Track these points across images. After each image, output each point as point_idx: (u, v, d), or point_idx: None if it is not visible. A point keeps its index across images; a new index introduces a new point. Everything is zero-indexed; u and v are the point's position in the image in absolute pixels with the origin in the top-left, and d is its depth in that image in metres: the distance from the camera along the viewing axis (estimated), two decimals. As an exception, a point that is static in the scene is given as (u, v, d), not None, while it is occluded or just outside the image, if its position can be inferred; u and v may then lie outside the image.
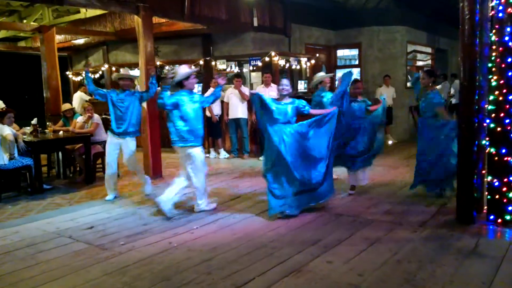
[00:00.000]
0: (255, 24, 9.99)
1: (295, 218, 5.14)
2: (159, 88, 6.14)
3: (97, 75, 12.21)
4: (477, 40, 4.62)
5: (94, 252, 4.25)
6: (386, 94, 10.53)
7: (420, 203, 5.61)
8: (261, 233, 4.66)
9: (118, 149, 6.14)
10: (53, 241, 4.58)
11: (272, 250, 4.16)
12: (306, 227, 4.82)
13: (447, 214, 5.06)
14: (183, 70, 5.38)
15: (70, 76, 13.58)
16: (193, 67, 7.67)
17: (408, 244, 4.21)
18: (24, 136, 6.78)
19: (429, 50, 14.27)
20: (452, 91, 13.13)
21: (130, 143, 6.12)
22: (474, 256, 3.92)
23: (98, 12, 9.80)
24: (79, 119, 7.51)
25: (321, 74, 6.87)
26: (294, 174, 5.05)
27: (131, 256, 4.13)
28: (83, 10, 9.81)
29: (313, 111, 5.43)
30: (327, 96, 6.43)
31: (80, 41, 11.98)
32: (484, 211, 4.85)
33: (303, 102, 5.37)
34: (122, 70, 6.24)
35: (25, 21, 10.46)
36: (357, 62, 12.59)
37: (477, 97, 4.65)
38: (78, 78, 13.12)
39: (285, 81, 5.35)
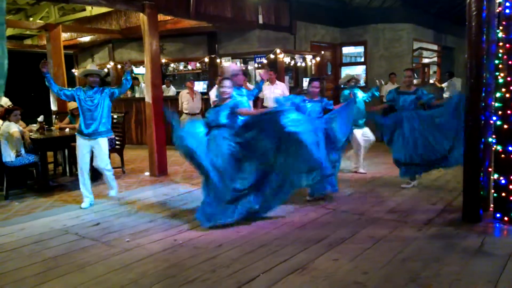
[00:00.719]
0: (260, 21, 9.98)
1: (300, 216, 5.14)
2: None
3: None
4: (484, 37, 4.58)
5: (100, 249, 4.27)
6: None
7: (425, 201, 5.58)
8: (266, 231, 4.66)
9: (90, 151, 5.72)
10: (59, 238, 4.60)
11: (276, 248, 4.16)
12: (311, 225, 4.82)
13: (452, 212, 5.04)
14: (231, 67, 5.65)
15: (76, 74, 13.63)
16: (240, 64, 7.79)
17: (413, 243, 4.19)
18: (30, 134, 6.82)
19: (435, 47, 14.19)
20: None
21: (102, 144, 5.72)
22: (480, 255, 3.90)
23: (104, 10, 9.83)
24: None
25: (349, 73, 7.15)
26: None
27: (136, 253, 4.14)
28: (88, 8, 9.85)
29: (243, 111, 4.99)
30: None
31: (86, 39, 12.02)
32: (491, 209, 4.83)
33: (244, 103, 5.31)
34: (89, 66, 5.86)
35: (31, 19, 10.52)
36: (362, 60, 12.55)
37: (483, 95, 4.62)
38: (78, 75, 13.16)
39: (227, 83, 4.95)
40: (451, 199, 5.59)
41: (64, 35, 10.62)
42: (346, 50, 12.94)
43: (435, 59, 14.53)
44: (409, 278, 3.47)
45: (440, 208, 5.27)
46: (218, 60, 10.59)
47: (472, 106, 4.66)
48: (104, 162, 5.81)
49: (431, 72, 14.51)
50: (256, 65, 10.26)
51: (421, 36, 12.83)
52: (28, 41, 13.56)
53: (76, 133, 5.78)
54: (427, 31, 13.10)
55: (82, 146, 5.65)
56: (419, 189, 6.20)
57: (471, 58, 4.64)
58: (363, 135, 7.29)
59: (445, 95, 13.33)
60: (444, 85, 13.30)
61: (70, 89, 5.72)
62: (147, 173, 7.65)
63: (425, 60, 14.18)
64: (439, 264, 3.70)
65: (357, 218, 5.01)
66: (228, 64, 5.60)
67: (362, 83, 11.13)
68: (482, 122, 4.62)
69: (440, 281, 3.41)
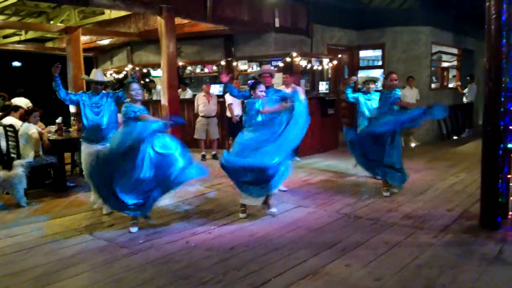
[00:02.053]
0: (277, 24, 9.98)
1: (314, 220, 5.11)
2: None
3: (121, 75, 12.40)
4: (504, 40, 4.50)
5: (114, 250, 4.32)
6: (410, 95, 10.38)
7: (441, 207, 5.49)
8: (279, 234, 4.64)
9: None
10: (75, 237, 4.67)
11: (289, 251, 4.14)
12: (324, 229, 4.78)
13: (470, 219, 4.95)
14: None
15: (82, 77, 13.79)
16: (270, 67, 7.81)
17: (429, 249, 4.12)
18: (49, 135, 6.93)
19: (455, 51, 13.98)
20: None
21: None
22: (498, 263, 3.82)
23: (123, 13, 9.94)
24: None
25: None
26: None
27: (150, 254, 4.17)
28: (107, 11, 9.96)
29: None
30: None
31: (105, 41, 12.18)
32: (509, 216, 4.72)
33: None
34: (93, 73, 5.59)
35: (52, 22, 10.70)
36: (380, 63, 12.44)
37: (503, 100, 4.52)
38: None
39: (135, 85, 4.87)
40: (469, 205, 5.48)
41: (84, 38, 10.78)
42: (363, 53, 12.84)
43: (455, 62, 14.31)
44: (424, 285, 3.42)
45: (457, 214, 5.17)
46: (234, 63, 10.62)
47: (491, 111, 4.58)
48: None
49: (450, 76, 14.30)
50: (272, 68, 10.25)
51: (440, 39, 12.65)
52: (49, 44, 13.81)
53: (81, 139, 5.65)
54: (446, 33, 12.91)
55: (88, 153, 5.24)
56: (436, 195, 6.10)
57: (490, 62, 4.56)
58: None
59: (465, 99, 13.14)
60: (465, 90, 13.12)
61: (75, 93, 5.61)
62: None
63: (444, 64, 13.98)
64: (455, 271, 3.64)
65: (372, 223, 4.96)
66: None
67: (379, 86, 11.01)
68: (501, 127, 4.53)
69: (455, 288, 3.36)
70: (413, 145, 10.69)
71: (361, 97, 6.99)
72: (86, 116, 5.46)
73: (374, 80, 7.18)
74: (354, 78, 7.64)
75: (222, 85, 9.97)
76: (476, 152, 9.45)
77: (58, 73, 5.33)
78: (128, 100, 4.95)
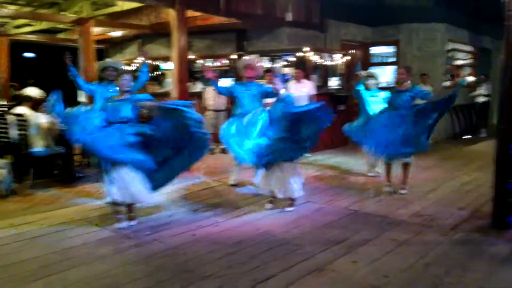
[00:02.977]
0: (290, 19, 9.88)
1: (321, 216, 5.05)
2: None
3: (133, 67, 12.40)
4: (521, 37, 4.38)
5: (119, 241, 4.30)
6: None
7: (452, 205, 5.39)
8: (286, 229, 4.59)
9: None
10: (80, 228, 4.66)
11: (295, 247, 4.09)
12: (331, 226, 4.72)
13: (480, 219, 4.84)
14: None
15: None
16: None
17: (438, 248, 4.04)
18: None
19: (470, 48, 13.75)
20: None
21: None
22: (507, 263, 3.74)
23: (135, 5, 9.91)
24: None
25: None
26: None
27: (155, 246, 4.16)
28: (120, 3, 9.93)
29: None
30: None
31: (117, 34, 12.17)
32: (521, 216, 4.61)
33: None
34: (108, 59, 5.55)
35: (63, 13, 10.72)
36: (394, 59, 12.27)
37: (518, 97, 4.41)
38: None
39: (126, 76, 4.81)
40: (480, 204, 5.37)
41: (96, 30, 10.77)
42: (377, 49, 12.68)
43: (470, 60, 14.08)
44: (431, 284, 3.35)
45: (468, 213, 5.07)
46: (252, 57, 10.52)
47: (505, 110, 4.47)
48: None
49: (465, 74, 14.07)
50: (283, 63, 10.17)
51: (456, 37, 12.44)
52: (61, 35, 13.84)
53: None
54: (462, 31, 12.70)
55: None
56: (447, 193, 6.00)
57: (507, 59, 4.44)
58: None
59: (480, 98, 12.84)
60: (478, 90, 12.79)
61: (92, 83, 5.65)
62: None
63: (459, 62, 13.76)
64: (464, 270, 3.56)
65: (380, 220, 4.88)
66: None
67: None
68: (515, 126, 4.42)
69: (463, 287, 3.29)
70: None
71: (365, 94, 6.88)
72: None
73: (373, 76, 7.02)
74: (363, 73, 7.51)
75: (233, 78, 9.92)
76: (490, 152, 9.27)
77: (71, 64, 5.37)
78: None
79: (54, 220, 4.94)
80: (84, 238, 4.39)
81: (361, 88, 6.85)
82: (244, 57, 6.85)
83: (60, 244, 4.24)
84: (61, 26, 12.33)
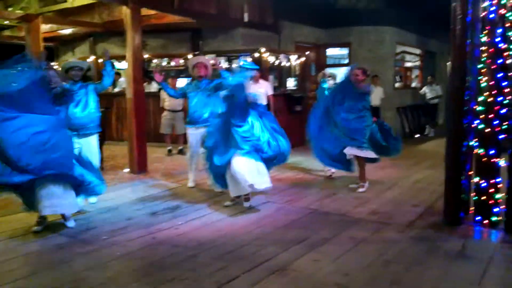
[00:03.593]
0: (245, 20, 9.90)
1: (282, 216, 5.08)
2: None
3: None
4: (468, 40, 4.60)
5: (76, 247, 4.14)
6: (375, 94, 10.53)
7: (406, 203, 5.58)
8: (247, 230, 4.59)
9: (78, 152, 5.18)
10: (34, 235, 4.45)
11: (257, 248, 4.09)
12: (292, 225, 4.76)
13: (434, 215, 5.04)
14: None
15: (56, 67, 13.31)
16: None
17: (396, 245, 4.17)
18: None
19: (418, 51, 14.33)
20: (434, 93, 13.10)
21: (92, 142, 5.41)
22: (461, 258, 3.90)
23: (86, 1, 9.60)
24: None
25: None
26: None
27: (114, 251, 4.02)
28: (70, -1, 9.61)
29: None
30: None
31: (67, 31, 11.71)
32: (471, 212, 4.84)
33: None
34: (71, 59, 5.34)
35: (10, 9, 10.21)
36: (346, 61, 12.57)
37: (466, 98, 4.63)
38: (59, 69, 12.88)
39: (51, 72, 4.69)
40: (433, 201, 5.59)
41: (44, 27, 10.30)
42: (331, 51, 12.95)
43: (418, 63, 14.68)
44: (391, 281, 3.44)
45: (421, 211, 5.26)
46: (206, 57, 10.44)
47: (455, 109, 4.67)
48: (94, 160, 5.33)
49: (413, 76, 14.66)
50: (241, 63, 10.17)
51: (404, 40, 12.94)
52: (7, 32, 13.17)
53: None
54: (410, 34, 13.22)
55: None
56: (401, 191, 6.21)
57: (454, 61, 4.65)
58: None
59: (428, 99, 13.37)
60: (424, 90, 13.31)
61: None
62: (126, 170, 7.50)
63: (408, 64, 14.31)
64: (422, 267, 3.68)
65: (339, 219, 4.98)
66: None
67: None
68: (465, 125, 4.63)
69: (422, 284, 3.40)
70: None
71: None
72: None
73: (333, 76, 7.24)
74: (327, 72, 7.61)
75: (189, 78, 9.82)
76: (438, 150, 9.67)
77: (44, 61, 5.03)
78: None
79: (7, 226, 4.69)
80: (41, 244, 4.20)
81: (325, 86, 6.97)
82: (193, 56, 6.78)
83: (16, 251, 4.04)
84: (7, 22, 11.70)
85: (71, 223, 4.68)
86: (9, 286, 3.36)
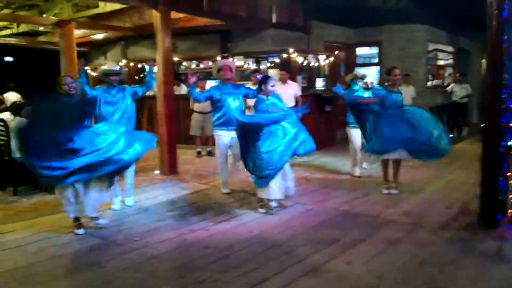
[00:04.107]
0: (274, 21, 9.89)
1: (312, 217, 5.05)
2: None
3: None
4: (505, 37, 4.45)
5: (108, 248, 4.22)
6: (406, 93, 10.34)
7: (440, 204, 5.45)
8: (278, 231, 4.58)
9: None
10: (67, 236, 4.55)
11: (288, 249, 4.07)
12: (323, 226, 4.72)
13: (469, 216, 4.90)
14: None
15: (89, 71, 13.65)
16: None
17: (429, 246, 4.08)
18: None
19: (450, 49, 14.00)
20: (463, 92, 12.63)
21: None
22: (497, 260, 3.78)
23: (117, 6, 9.78)
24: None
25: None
26: None
27: (145, 252, 4.08)
28: (102, 4, 9.79)
29: None
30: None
31: (99, 36, 12.01)
32: (509, 214, 4.68)
33: None
34: (108, 65, 5.39)
35: (44, 15, 10.52)
36: (377, 60, 12.40)
37: (503, 96, 4.48)
38: (96, 74, 13.22)
39: (68, 79, 4.75)
40: (466, 202, 5.44)
41: (77, 32, 10.60)
42: (360, 51, 12.81)
43: (450, 60, 14.32)
44: (425, 283, 3.37)
45: (455, 212, 5.13)
46: (230, 59, 10.51)
47: (491, 108, 4.53)
48: None
49: (446, 75, 14.30)
50: (268, 64, 10.18)
51: (436, 38, 12.65)
52: (41, 38, 13.60)
53: None
54: (442, 32, 12.92)
55: None
56: (434, 192, 6.07)
57: (491, 59, 4.52)
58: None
59: (455, 98, 12.93)
60: (450, 88, 12.91)
61: (92, 89, 5.41)
62: (157, 172, 7.61)
63: (441, 62, 13.98)
64: (456, 268, 3.60)
65: (370, 220, 4.90)
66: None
67: (367, 83, 10.94)
68: (502, 124, 4.48)
69: (456, 286, 3.32)
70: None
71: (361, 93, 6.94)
72: (104, 110, 5.26)
73: (361, 77, 7.12)
74: (360, 73, 7.52)
75: (217, 81, 9.89)
76: (471, 150, 9.44)
77: (83, 70, 5.23)
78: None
79: (40, 227, 4.81)
80: (73, 246, 4.29)
81: (356, 87, 6.88)
82: (219, 59, 6.77)
83: (49, 252, 4.13)
84: (42, 28, 12.10)
85: (103, 221, 4.79)
86: (43, 287, 3.45)
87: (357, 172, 7.06)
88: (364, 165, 7.34)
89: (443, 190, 6.17)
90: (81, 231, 4.61)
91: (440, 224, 4.70)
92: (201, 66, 11.39)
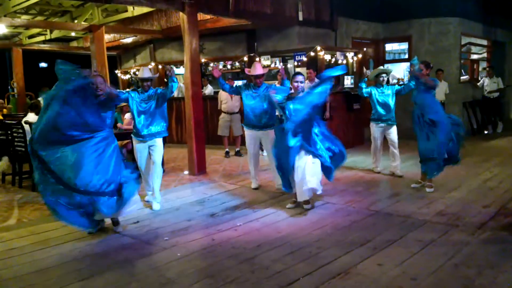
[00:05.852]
0: (300, 18, 9.79)
1: (342, 217, 4.95)
2: None
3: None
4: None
5: (139, 247, 4.25)
6: (439, 89, 10.05)
7: (477, 203, 5.25)
8: (307, 232, 4.50)
9: (148, 153, 5.59)
10: (99, 235, 4.62)
11: (317, 250, 4.00)
12: (353, 227, 4.62)
13: (507, 216, 4.71)
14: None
15: (119, 74, 13.91)
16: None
17: (466, 248, 3.92)
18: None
19: (485, 42, 13.51)
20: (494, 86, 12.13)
21: (158, 145, 5.60)
22: (540, 263, 3.60)
23: (145, 10, 9.94)
24: (127, 116, 7.62)
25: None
26: None
27: (174, 251, 4.09)
28: (130, 8, 9.96)
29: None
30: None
31: (128, 40, 12.23)
32: (551, 213, 4.47)
33: None
34: (141, 71, 5.56)
35: (76, 21, 10.79)
36: (406, 56, 12.10)
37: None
38: (127, 77, 13.44)
39: (99, 79, 4.67)
40: (505, 202, 5.23)
41: (108, 37, 10.85)
42: (389, 46, 12.52)
43: (485, 54, 13.83)
44: (462, 285, 3.24)
45: (494, 211, 4.93)
46: (257, 59, 10.48)
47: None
48: (158, 163, 5.62)
49: (480, 69, 13.82)
50: (295, 63, 10.09)
51: (470, 30, 12.22)
52: (73, 43, 13.96)
53: (132, 135, 5.68)
54: (475, 24, 12.47)
55: (140, 148, 5.56)
56: (469, 190, 5.86)
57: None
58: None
59: (486, 93, 12.44)
60: (481, 82, 12.46)
61: (124, 91, 5.62)
62: (186, 172, 7.65)
63: (474, 56, 13.52)
64: (495, 271, 3.44)
65: (403, 220, 4.76)
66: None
67: (394, 79, 10.66)
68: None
69: (496, 289, 3.17)
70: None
71: (374, 91, 6.80)
72: (136, 112, 5.45)
73: (386, 73, 6.97)
74: (367, 72, 7.43)
75: (244, 81, 9.87)
76: (509, 147, 9.11)
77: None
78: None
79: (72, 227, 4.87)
80: (105, 245, 4.35)
81: (363, 85, 6.95)
82: (248, 58, 6.84)
83: (83, 251, 4.20)
84: (74, 34, 12.42)
85: (118, 228, 4.77)
86: (75, 285, 3.50)
87: (379, 168, 7.11)
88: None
89: (480, 189, 5.95)
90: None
91: (477, 224, 4.52)
92: (228, 66, 11.40)
